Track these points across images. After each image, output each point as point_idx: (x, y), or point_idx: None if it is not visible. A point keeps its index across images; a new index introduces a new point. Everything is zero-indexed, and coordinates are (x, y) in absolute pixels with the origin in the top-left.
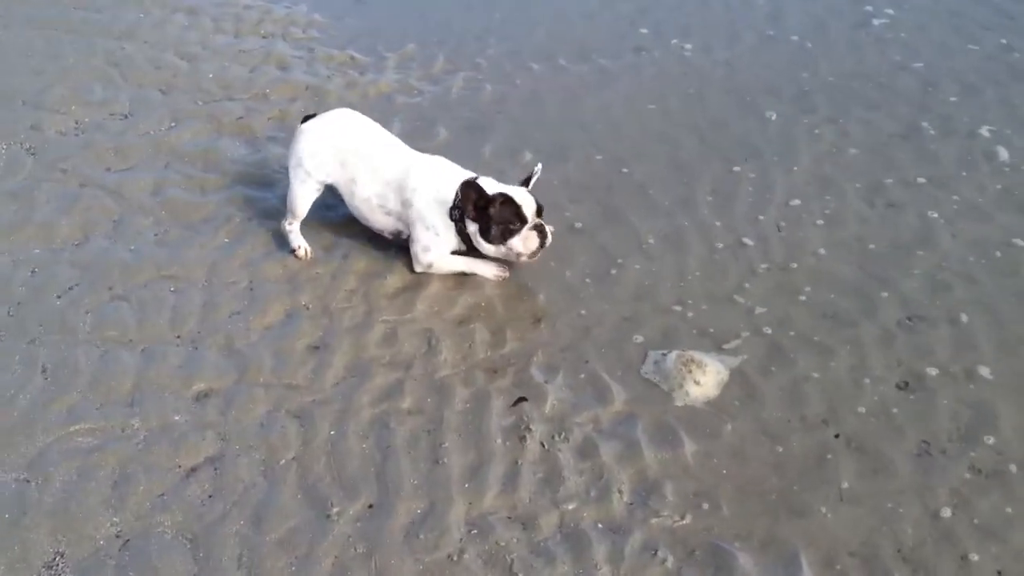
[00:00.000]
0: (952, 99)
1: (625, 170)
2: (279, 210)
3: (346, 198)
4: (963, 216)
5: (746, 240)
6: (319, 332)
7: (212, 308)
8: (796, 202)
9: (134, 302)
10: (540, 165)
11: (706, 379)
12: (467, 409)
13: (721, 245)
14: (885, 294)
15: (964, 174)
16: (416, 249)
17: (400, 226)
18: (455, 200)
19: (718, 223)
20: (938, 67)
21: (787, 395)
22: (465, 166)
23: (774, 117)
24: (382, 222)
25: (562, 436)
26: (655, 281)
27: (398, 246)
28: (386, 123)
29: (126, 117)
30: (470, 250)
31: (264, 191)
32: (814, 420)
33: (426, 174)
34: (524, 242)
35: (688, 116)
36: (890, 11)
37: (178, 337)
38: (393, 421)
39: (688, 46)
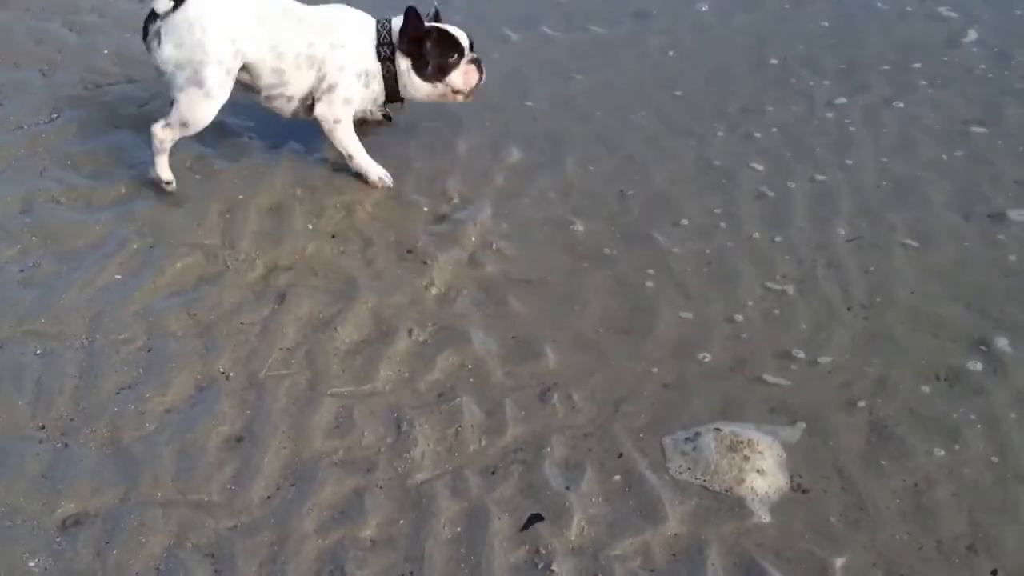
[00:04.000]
0: None
1: (638, 175)
2: (191, 230)
3: (269, 68)
4: None
5: (813, 268)
6: (243, 415)
7: (93, 380)
8: (868, 215)
9: None
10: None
11: (767, 464)
12: (457, 536)
13: (780, 276)
14: (1010, 343)
15: None
16: (335, 99)
17: (316, 81)
18: (379, 38)
19: (771, 244)
20: (1005, 35)
21: (907, 504)
22: (440, 168)
23: (819, 99)
24: (303, 80)
25: None
26: (699, 329)
27: (362, 278)
28: None
29: None
30: (390, 99)
31: (172, 205)
32: (955, 546)
33: (348, 15)
34: (464, 76)
35: (711, 99)
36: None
37: (42, 428)
38: (351, 560)
39: (703, 8)
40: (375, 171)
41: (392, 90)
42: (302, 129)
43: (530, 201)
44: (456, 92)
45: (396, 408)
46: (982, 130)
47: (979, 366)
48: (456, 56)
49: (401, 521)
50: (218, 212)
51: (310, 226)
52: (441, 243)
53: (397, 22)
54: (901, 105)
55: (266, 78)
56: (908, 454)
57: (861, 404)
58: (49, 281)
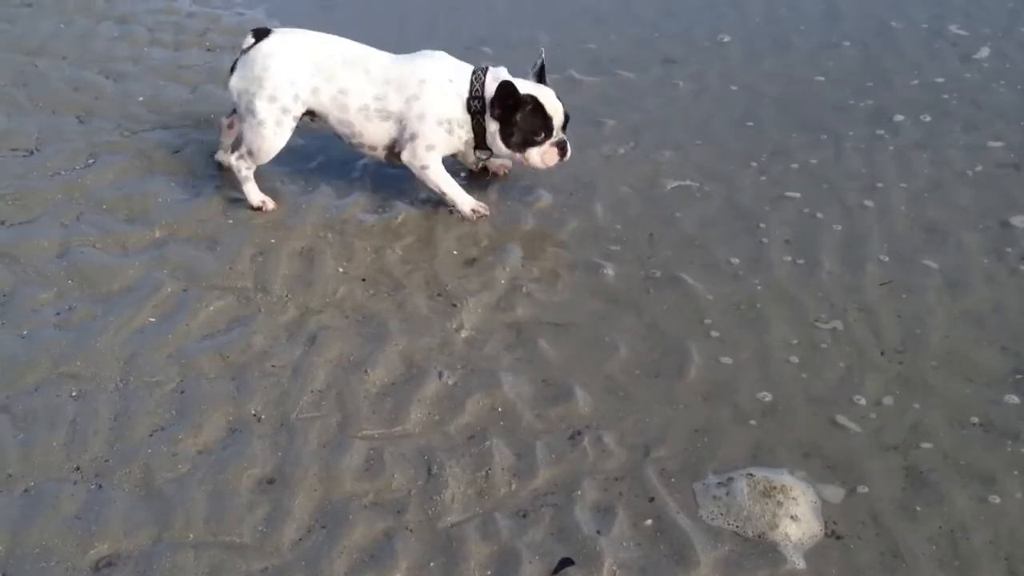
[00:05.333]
0: None
1: (668, 219)
2: (224, 273)
3: (333, 117)
4: None
5: (844, 312)
6: (274, 457)
7: (126, 422)
8: (899, 258)
9: (18, 414)
10: (544, 50)
11: (801, 510)
12: None
13: (812, 320)
14: None
15: None
16: (418, 146)
17: (396, 132)
18: (472, 91)
19: (804, 289)
20: None
21: (943, 551)
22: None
23: (849, 143)
24: (377, 132)
25: None
26: (729, 374)
27: (392, 321)
28: (357, 156)
29: (31, 153)
30: (479, 147)
31: (204, 248)
32: None
33: (436, 65)
34: (542, 156)
35: (740, 143)
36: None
37: (76, 469)
38: None
39: (732, 52)
40: (467, 206)
41: (481, 140)
42: (333, 174)
43: (560, 245)
44: (533, 167)
45: (426, 450)
46: (1017, 176)
47: (1015, 410)
48: (543, 136)
49: (431, 564)
50: (250, 256)
51: (341, 269)
52: (471, 286)
53: (494, 75)
54: (930, 147)
55: (336, 128)
56: (944, 500)
57: (896, 450)
58: (84, 324)
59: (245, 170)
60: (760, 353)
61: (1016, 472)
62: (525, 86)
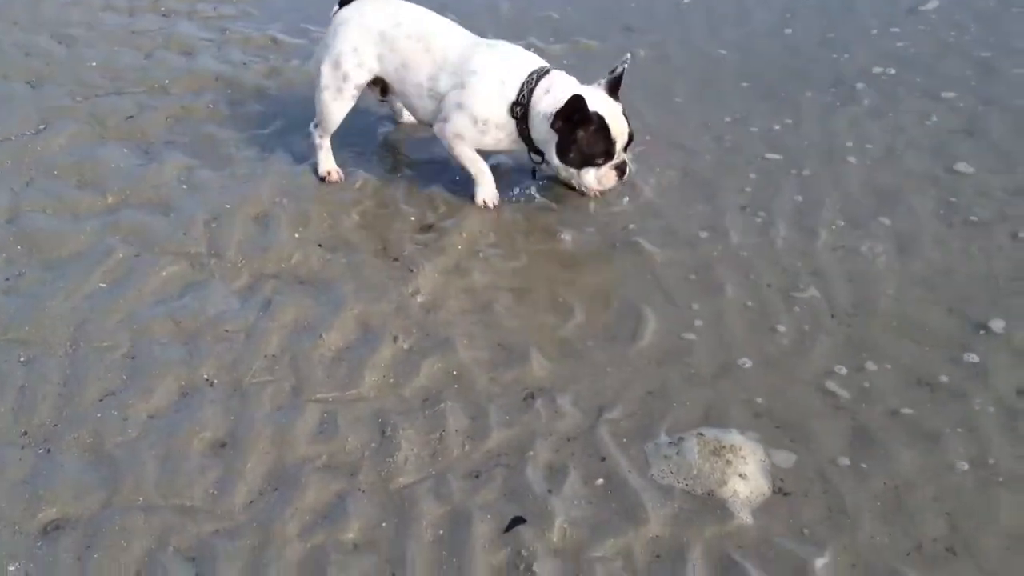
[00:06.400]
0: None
1: (626, 185)
2: (178, 239)
3: (396, 88)
4: None
5: (797, 276)
6: (226, 421)
7: (76, 387)
8: (852, 222)
9: None
10: (629, 55)
11: (749, 468)
12: (439, 539)
13: (765, 284)
14: (991, 349)
15: None
16: (447, 128)
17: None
18: (519, 96)
19: (758, 254)
20: (995, 47)
21: (887, 506)
22: (427, 176)
23: (807, 112)
24: (429, 109)
25: None
26: (683, 337)
27: (347, 286)
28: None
29: None
30: (532, 151)
31: (158, 214)
32: (934, 549)
33: (492, 59)
34: (599, 179)
35: (700, 113)
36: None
37: (24, 434)
38: (333, 563)
39: (690, 21)
40: (483, 194)
41: (532, 145)
42: (291, 139)
43: (518, 211)
44: (587, 188)
45: (380, 413)
46: (966, 142)
47: (960, 371)
48: (603, 159)
49: (384, 524)
50: (204, 221)
51: (296, 235)
52: (427, 251)
53: (550, 81)
54: (887, 116)
55: (399, 98)
56: (890, 458)
57: (844, 410)
58: (34, 289)
59: (318, 138)
60: (714, 317)
61: (960, 430)
62: (594, 100)
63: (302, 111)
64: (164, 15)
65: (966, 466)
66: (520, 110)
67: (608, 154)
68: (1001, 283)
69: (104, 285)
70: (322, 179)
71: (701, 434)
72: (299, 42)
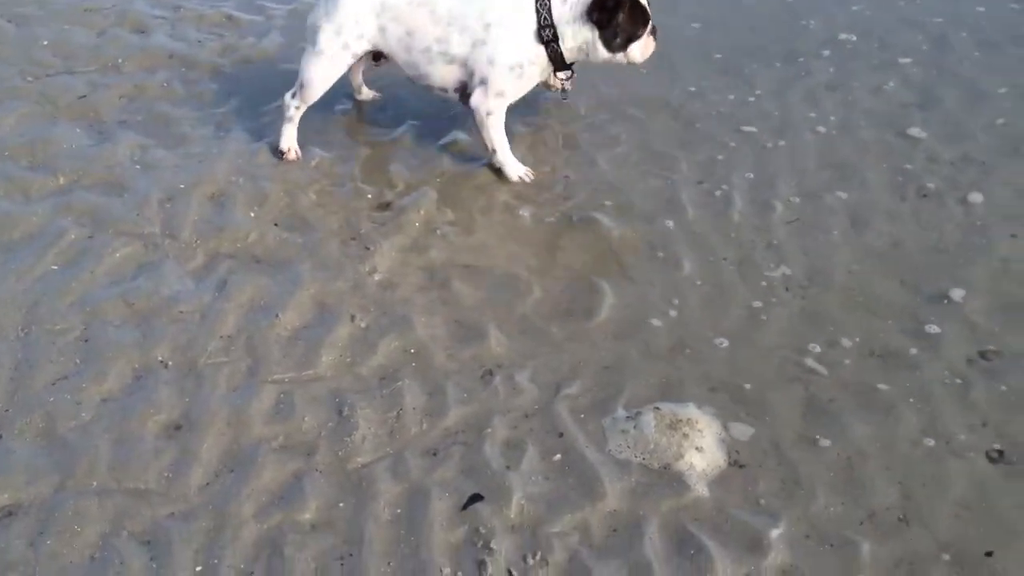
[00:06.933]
0: (975, 55)
1: (582, 161)
2: (131, 219)
3: (400, 58)
4: (1019, 209)
5: (753, 250)
6: (181, 403)
7: (28, 371)
8: (807, 197)
9: None
10: None
11: (705, 442)
12: (397, 518)
13: (721, 258)
14: (941, 319)
15: (1008, 157)
16: (488, 92)
17: (464, 75)
18: (540, 20)
19: (714, 229)
20: (947, 20)
21: (840, 476)
22: (384, 154)
23: (762, 86)
24: (443, 74)
25: (538, 557)
26: (640, 312)
27: (304, 265)
28: (271, 98)
29: None
30: (559, 69)
31: (112, 195)
32: (886, 517)
33: (498, 4)
34: (643, 49)
35: (657, 86)
36: None
37: None
38: (290, 543)
39: None
40: (515, 170)
41: (559, 63)
42: (247, 117)
43: (476, 187)
44: (630, 63)
45: (337, 393)
46: (919, 114)
47: (912, 342)
48: (643, 29)
49: (341, 504)
50: (158, 201)
51: (252, 214)
52: (385, 229)
53: None
54: (843, 87)
55: (404, 69)
56: (843, 429)
57: (799, 381)
58: None
59: (294, 109)
60: (671, 291)
61: (912, 400)
62: None
63: (258, 89)
64: None
65: (918, 436)
66: (549, 31)
67: (646, 24)
68: (952, 253)
69: (56, 267)
70: (280, 155)
71: (658, 408)
72: (255, 19)
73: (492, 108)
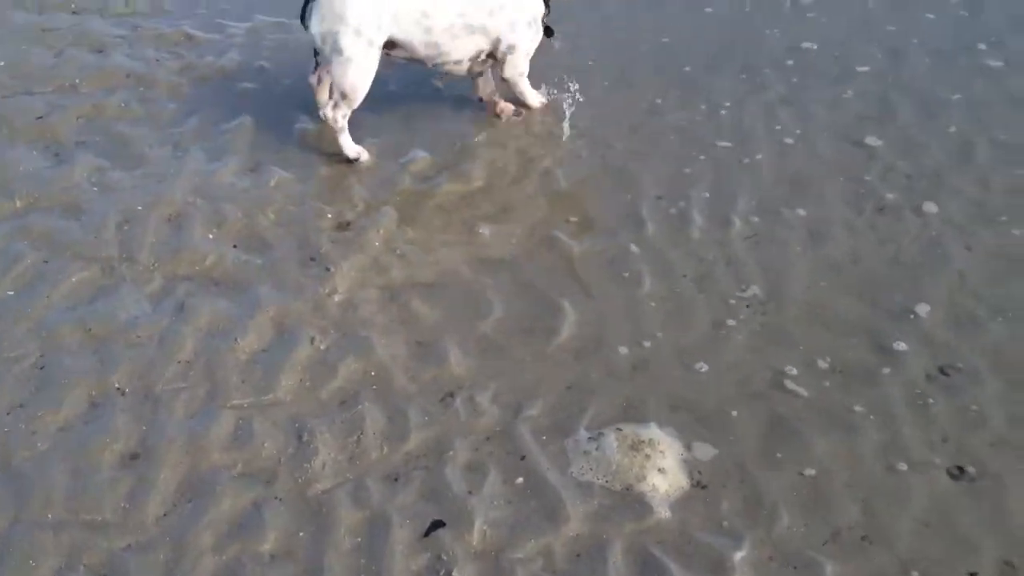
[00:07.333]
0: (925, 61)
1: (543, 177)
2: (88, 242)
3: (418, 40)
4: (974, 221)
5: (713, 266)
6: (138, 431)
7: None
8: (766, 212)
9: None
10: None
11: (668, 463)
12: (358, 547)
13: (681, 274)
14: (900, 334)
15: (962, 166)
16: (519, 56)
17: (485, 43)
18: None
19: (674, 245)
20: (899, 28)
21: (803, 496)
22: (344, 173)
23: (721, 100)
24: (464, 47)
25: None
26: (601, 330)
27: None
28: (230, 117)
29: None
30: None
31: (69, 218)
32: (850, 536)
33: None
34: None
35: (617, 102)
36: None
37: None
38: (249, 574)
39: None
40: (537, 99)
41: (548, 2)
42: (205, 136)
43: (436, 206)
44: None
45: (297, 418)
46: (874, 127)
47: (873, 358)
48: None
49: (301, 533)
50: (116, 224)
51: (211, 235)
52: (345, 249)
53: None
54: (796, 103)
55: (422, 51)
56: (805, 447)
57: (760, 398)
58: None
59: (341, 119)
60: (632, 309)
61: (872, 417)
62: None
63: (216, 108)
64: (75, 12)
65: (880, 453)
66: None
67: None
68: (910, 267)
69: (12, 292)
70: (353, 161)
71: (620, 429)
72: (214, 37)
73: (524, 68)
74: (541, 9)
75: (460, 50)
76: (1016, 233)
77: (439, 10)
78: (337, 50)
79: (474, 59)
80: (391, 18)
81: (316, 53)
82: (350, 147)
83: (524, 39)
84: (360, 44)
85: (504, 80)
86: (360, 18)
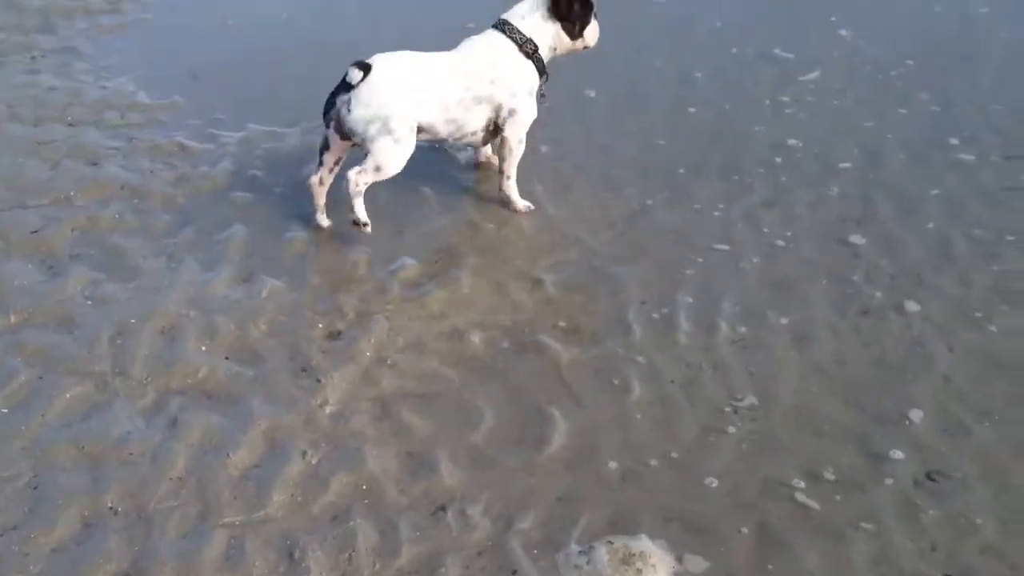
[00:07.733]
0: (901, 157)
1: (531, 284)
2: (82, 357)
3: (440, 120)
4: (954, 320)
5: (700, 371)
6: (130, 552)
7: None
8: (751, 315)
9: None
10: None
11: (659, 575)
12: None
13: (668, 380)
14: (887, 439)
15: (941, 264)
16: (519, 119)
17: (491, 111)
18: (520, 41)
19: (660, 350)
20: (876, 128)
21: None
22: (335, 282)
23: (703, 202)
24: (477, 117)
25: None
26: (590, 439)
27: (255, 400)
28: (224, 227)
29: None
30: (541, 74)
31: (63, 332)
32: None
33: (489, 45)
34: (594, 32)
35: (601, 206)
36: (815, 74)
37: None
38: None
39: (592, 116)
40: (522, 203)
41: (543, 69)
42: (197, 248)
43: (426, 314)
44: (585, 47)
45: (289, 535)
46: (857, 225)
47: (860, 464)
48: (593, 13)
49: None
50: (109, 337)
51: (203, 347)
52: (336, 360)
53: (509, 13)
54: (779, 204)
55: (443, 130)
56: (796, 559)
57: (752, 508)
58: None
59: (363, 184)
60: (620, 416)
61: (862, 524)
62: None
63: (210, 218)
64: (70, 124)
65: (870, 563)
66: (531, 46)
67: (593, 9)
68: (896, 370)
69: (6, 410)
70: (361, 226)
71: (611, 542)
72: (207, 147)
73: (522, 135)
74: (537, 79)
75: (474, 121)
76: (993, 330)
77: (449, 89)
78: (387, 131)
79: (486, 129)
80: (417, 106)
81: (322, 152)
82: (363, 212)
83: (525, 104)
84: (405, 127)
85: (502, 150)
86: (404, 107)
